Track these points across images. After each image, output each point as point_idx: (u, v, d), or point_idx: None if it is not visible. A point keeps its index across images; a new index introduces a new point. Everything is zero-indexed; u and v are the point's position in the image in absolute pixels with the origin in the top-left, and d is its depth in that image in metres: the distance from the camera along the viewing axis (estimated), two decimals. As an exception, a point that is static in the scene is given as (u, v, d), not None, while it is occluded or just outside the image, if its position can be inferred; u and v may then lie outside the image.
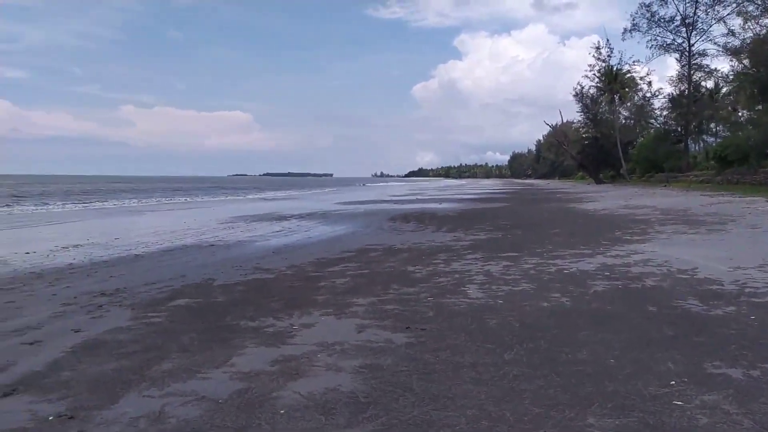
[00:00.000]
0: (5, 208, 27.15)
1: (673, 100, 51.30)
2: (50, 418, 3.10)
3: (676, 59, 50.67)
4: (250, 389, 3.45)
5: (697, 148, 56.08)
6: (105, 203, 32.51)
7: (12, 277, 7.61)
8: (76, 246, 11.05)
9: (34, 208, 27.94)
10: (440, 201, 30.90)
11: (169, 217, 20.73)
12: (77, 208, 27.45)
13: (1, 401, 3.36)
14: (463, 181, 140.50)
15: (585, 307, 5.47)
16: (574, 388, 3.37)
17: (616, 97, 54.60)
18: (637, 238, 11.06)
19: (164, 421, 3.04)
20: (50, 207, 28.61)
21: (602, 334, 4.49)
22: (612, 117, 56.68)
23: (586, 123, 62.02)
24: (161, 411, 3.16)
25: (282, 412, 3.11)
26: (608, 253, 8.96)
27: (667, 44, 49.68)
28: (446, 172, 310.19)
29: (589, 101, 59.44)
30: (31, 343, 4.49)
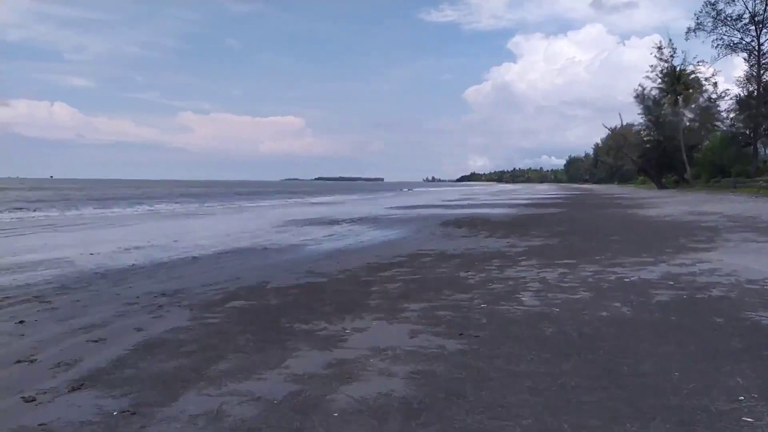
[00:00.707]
0: (74, 211, 28.57)
1: (741, 102, 49.00)
2: (114, 413, 3.22)
3: (744, 59, 48.51)
4: (304, 391, 3.48)
5: (767, 151, 53.26)
6: (166, 206, 33.72)
7: (78, 277, 7.98)
8: (137, 248, 11.49)
9: (100, 210, 29.30)
10: (493, 206, 30.52)
11: (225, 221, 21.31)
12: (140, 211, 28.59)
13: (70, 395, 3.51)
14: (516, 186, 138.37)
15: (647, 317, 5.26)
16: (636, 401, 3.24)
17: (680, 99, 52.55)
18: (703, 246, 10.59)
19: (222, 419, 3.11)
20: (116, 210, 29.92)
21: (666, 346, 4.31)
22: (675, 119, 54.54)
23: (647, 126, 59.98)
24: (219, 410, 3.23)
25: (335, 415, 3.13)
26: (672, 262, 8.61)
27: (734, 43, 47.71)
28: (499, 177, 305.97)
29: (650, 103, 57.46)
30: (96, 341, 4.69)
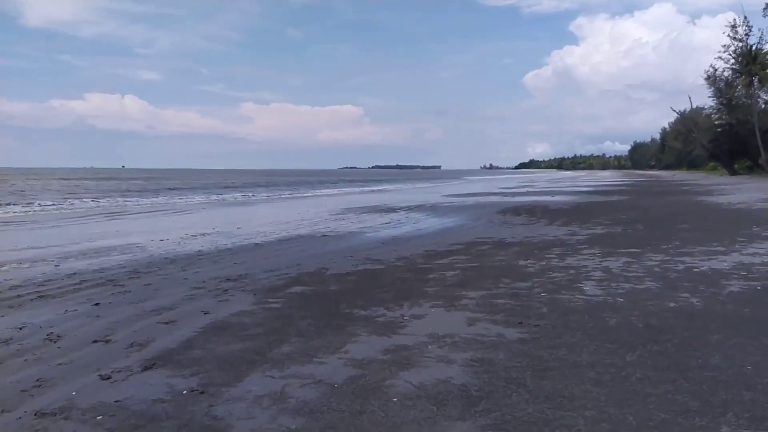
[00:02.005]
0: (150, 199, 29.86)
1: (824, 82, 45.62)
2: (184, 392, 3.36)
3: (829, 35, 45.00)
4: (363, 376, 3.54)
5: None
6: (229, 195, 34.71)
7: (149, 261, 8.36)
8: (203, 234, 11.92)
9: (169, 199, 30.52)
10: (553, 193, 29.79)
11: (285, 208, 21.76)
12: (205, 200, 29.57)
13: (143, 374, 3.69)
14: (577, 173, 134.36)
15: (718, 308, 5.03)
16: (706, 395, 3.11)
17: (755, 80, 49.43)
18: (780, 234, 9.99)
19: (285, 400, 3.20)
20: (184, 198, 31.07)
21: (738, 339, 4.11)
22: (749, 102, 51.43)
23: (719, 109, 56.78)
24: (282, 391, 3.33)
25: (395, 400, 3.16)
26: (745, 251, 8.18)
27: (818, 18, 44.24)
28: (559, 164, 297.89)
29: (723, 85, 54.37)
30: (167, 323, 4.91)
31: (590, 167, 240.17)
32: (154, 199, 29.98)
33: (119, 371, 3.73)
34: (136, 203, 26.89)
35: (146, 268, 7.74)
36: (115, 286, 6.56)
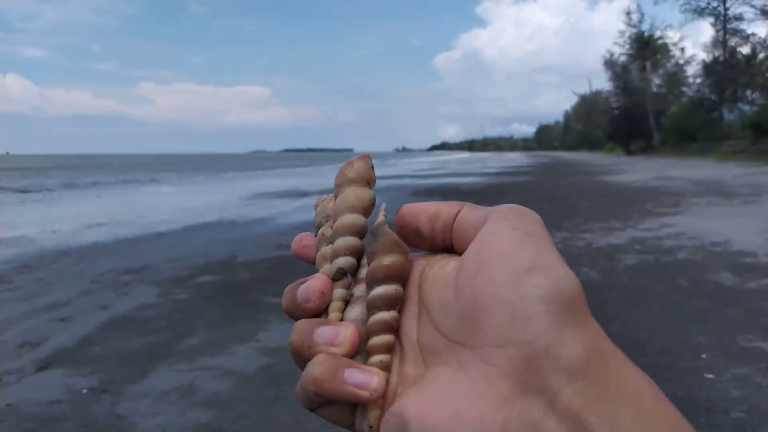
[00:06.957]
0: (40, 188, 27.78)
1: (707, 67, 49.68)
2: (84, 391, 3.20)
3: (711, 24, 49.01)
4: (276, 364, 3.48)
5: (732, 117, 54.40)
6: (132, 181, 33.01)
7: (39, 255, 7.78)
8: (100, 224, 11.22)
9: (73, 186, 28.53)
10: (464, 175, 30.63)
11: (191, 195, 20.97)
12: (103, 187, 27.95)
13: (37, 375, 3.46)
14: (487, 155, 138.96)
15: (615, 281, 5.37)
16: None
17: (648, 65, 53.13)
18: (670, 210, 10.81)
19: (194, 394, 3.10)
20: (79, 185, 29.18)
21: (632, 308, 4.41)
22: (643, 85, 55.24)
23: (615, 92, 60.62)
24: (191, 385, 3.22)
25: (308, 386, 3.13)
26: (639, 226, 8.78)
27: (701, 8, 48.00)
28: (470, 146, 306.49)
29: (619, 69, 58.00)
30: (62, 320, 4.60)
31: (499, 149, 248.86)
32: (44, 187, 27.90)
33: (10, 373, 3.47)
34: (23, 191, 24.91)
35: (37, 263, 7.18)
36: (2, 282, 6.05)
